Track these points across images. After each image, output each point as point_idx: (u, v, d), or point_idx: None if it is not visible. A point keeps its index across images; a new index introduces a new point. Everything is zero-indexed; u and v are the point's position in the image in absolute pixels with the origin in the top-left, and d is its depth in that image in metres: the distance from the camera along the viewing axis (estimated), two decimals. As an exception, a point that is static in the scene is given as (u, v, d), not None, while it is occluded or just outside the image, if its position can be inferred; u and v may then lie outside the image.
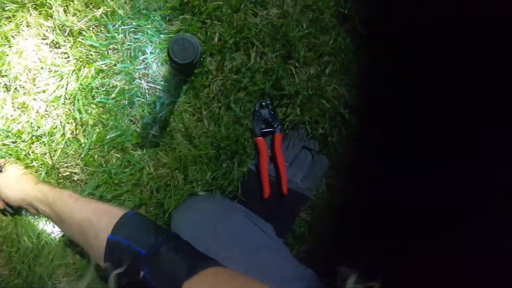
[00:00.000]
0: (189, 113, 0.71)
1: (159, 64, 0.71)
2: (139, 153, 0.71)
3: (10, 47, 0.72)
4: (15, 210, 0.76)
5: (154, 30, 0.71)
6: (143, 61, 0.71)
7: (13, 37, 0.71)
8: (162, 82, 0.70)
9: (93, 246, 0.53)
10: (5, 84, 0.74)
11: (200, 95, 0.71)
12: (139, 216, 0.55)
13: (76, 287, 0.76)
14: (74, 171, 0.72)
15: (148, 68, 0.71)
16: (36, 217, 0.80)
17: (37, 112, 0.71)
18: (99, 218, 0.54)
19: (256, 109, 0.72)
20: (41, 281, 0.83)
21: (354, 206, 0.77)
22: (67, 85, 0.70)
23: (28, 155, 0.74)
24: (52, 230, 0.80)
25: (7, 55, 0.71)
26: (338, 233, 0.78)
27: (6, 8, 0.72)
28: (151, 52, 0.71)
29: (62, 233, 0.78)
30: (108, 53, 0.71)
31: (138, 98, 0.70)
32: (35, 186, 0.67)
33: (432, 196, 0.67)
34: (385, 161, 0.76)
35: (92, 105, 0.71)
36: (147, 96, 0.70)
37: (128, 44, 0.71)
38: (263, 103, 0.72)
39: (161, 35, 0.71)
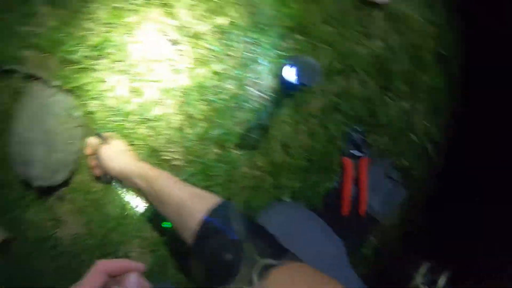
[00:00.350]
0: (288, 125, 0.77)
1: (270, 76, 0.77)
2: (237, 152, 0.78)
3: (131, 36, 0.81)
4: (110, 180, 0.84)
5: (269, 45, 0.78)
6: (256, 71, 0.78)
7: (135, 28, 0.80)
8: (269, 93, 0.76)
9: (186, 225, 0.58)
10: (122, 69, 0.83)
11: (301, 110, 0.77)
12: (234, 205, 0.59)
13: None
14: (174, 156, 0.79)
15: (259, 78, 0.77)
16: (125, 191, 0.87)
17: (148, 98, 0.80)
18: (195, 201, 0.60)
19: (349, 132, 0.77)
20: (114, 247, 0.91)
21: (423, 239, 0.80)
22: (181, 80, 0.77)
23: (133, 134, 0.82)
24: (137, 205, 0.87)
25: (128, 43, 0.80)
26: (402, 263, 0.81)
27: (133, 2, 0.81)
28: (264, 64, 0.77)
29: (145, 209, 0.85)
30: (224, 58, 0.78)
31: (246, 104, 0.77)
32: (136, 162, 0.74)
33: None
34: (460, 202, 0.79)
35: (202, 102, 0.78)
36: (254, 103, 0.77)
37: (244, 54, 0.78)
38: (357, 128, 0.77)
39: (275, 50, 0.78)
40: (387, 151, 0.77)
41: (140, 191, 0.73)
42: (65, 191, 0.93)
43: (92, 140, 0.80)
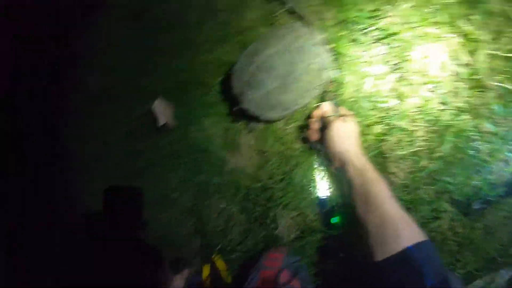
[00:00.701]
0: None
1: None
2: (448, 207, 0.80)
3: (420, 43, 0.81)
4: (318, 149, 0.84)
5: None
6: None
7: (428, 39, 0.81)
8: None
9: (382, 242, 0.59)
10: (396, 65, 0.83)
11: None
12: (436, 249, 0.61)
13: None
14: (398, 173, 0.81)
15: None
16: (324, 168, 0.87)
17: (406, 108, 0.81)
18: (405, 226, 0.61)
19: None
20: (265, 204, 0.92)
21: None
22: (446, 114, 0.79)
23: (370, 127, 0.82)
24: (322, 187, 0.88)
25: (414, 46, 0.81)
26: None
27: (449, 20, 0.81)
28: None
29: (326, 195, 0.87)
30: (501, 121, 0.79)
31: (488, 173, 0.79)
32: (361, 154, 0.74)
33: None
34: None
35: (453, 144, 0.79)
36: (499, 177, 0.79)
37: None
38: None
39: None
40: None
41: (345, 180, 0.73)
42: (262, 128, 0.92)
43: (328, 106, 0.79)
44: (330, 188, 0.86)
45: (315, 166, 0.87)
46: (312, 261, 0.87)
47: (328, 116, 0.79)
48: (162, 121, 1.02)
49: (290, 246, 0.87)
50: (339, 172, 0.76)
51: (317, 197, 0.87)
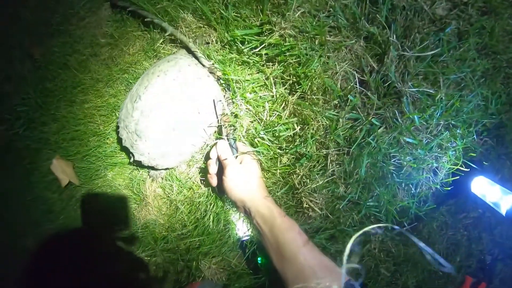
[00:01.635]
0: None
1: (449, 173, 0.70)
2: (379, 232, 0.71)
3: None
4: (222, 194, 0.74)
5: (462, 139, 0.69)
6: (436, 158, 0.69)
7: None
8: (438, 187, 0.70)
9: None
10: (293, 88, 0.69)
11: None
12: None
13: None
14: (313, 207, 0.71)
15: (437, 168, 0.69)
16: (234, 212, 0.78)
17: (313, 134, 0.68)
18: (324, 275, 0.55)
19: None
20: (187, 253, 0.84)
21: None
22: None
23: (275, 161, 0.71)
24: (239, 230, 0.79)
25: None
26: None
27: None
28: (446, 157, 0.69)
29: (245, 239, 0.78)
30: (411, 134, 0.68)
31: (413, 187, 0.69)
32: (265, 199, 0.65)
33: None
34: None
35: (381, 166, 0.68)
36: (424, 190, 0.70)
37: (433, 135, 0.69)
38: None
39: (465, 152, 0.70)
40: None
41: (253, 227, 0.65)
42: (164, 175, 0.81)
43: (221, 146, 0.67)
44: (248, 228, 0.77)
45: (227, 207, 0.77)
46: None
47: (223, 158, 0.67)
48: (65, 181, 0.92)
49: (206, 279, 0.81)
50: (249, 220, 0.66)
51: (237, 239, 0.78)
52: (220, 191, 0.72)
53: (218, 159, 0.68)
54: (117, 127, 0.78)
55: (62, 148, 0.97)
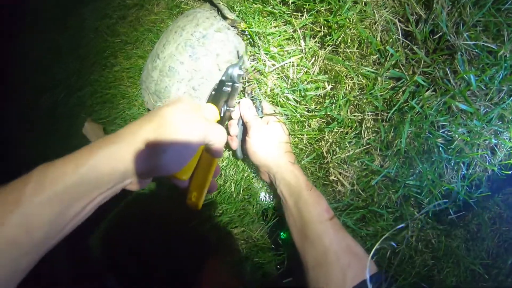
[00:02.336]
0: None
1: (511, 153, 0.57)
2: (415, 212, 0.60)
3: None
4: (242, 158, 0.67)
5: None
6: (496, 133, 0.57)
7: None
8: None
9: (324, 279, 0.48)
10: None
11: None
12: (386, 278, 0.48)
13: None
14: (342, 180, 0.61)
15: (496, 145, 0.57)
16: (257, 178, 0.71)
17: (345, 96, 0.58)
18: (350, 263, 0.48)
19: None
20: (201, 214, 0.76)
21: None
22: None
23: (303, 124, 0.63)
24: (265, 202, 0.71)
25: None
26: None
27: None
28: (509, 133, 0.56)
29: (268, 208, 0.70)
30: (466, 99, 0.56)
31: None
32: (291, 165, 0.57)
33: None
34: None
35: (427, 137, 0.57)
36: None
37: (493, 103, 0.56)
38: None
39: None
40: None
41: (277, 198, 0.59)
42: None
43: (245, 106, 0.59)
44: (272, 199, 0.70)
45: (251, 175, 0.70)
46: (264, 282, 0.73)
47: (246, 119, 0.60)
48: None
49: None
50: (271, 188, 0.59)
51: (260, 209, 0.71)
52: (242, 154, 0.65)
53: (241, 120, 0.62)
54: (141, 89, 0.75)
55: (96, 112, 0.98)
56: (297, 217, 0.54)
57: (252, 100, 0.61)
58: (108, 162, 0.33)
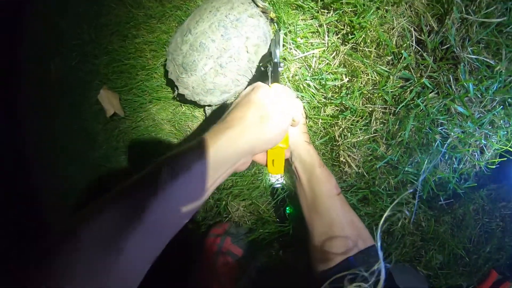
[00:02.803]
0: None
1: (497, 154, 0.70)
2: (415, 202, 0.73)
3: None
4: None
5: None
6: (486, 135, 0.70)
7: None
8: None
9: (328, 254, 0.56)
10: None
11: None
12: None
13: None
14: (350, 162, 0.73)
15: (485, 145, 0.70)
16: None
17: (359, 88, 0.70)
18: (352, 234, 0.57)
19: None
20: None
21: None
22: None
23: (318, 109, 0.74)
24: (274, 179, 0.82)
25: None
26: None
27: None
28: (497, 136, 0.69)
29: (278, 184, 0.82)
30: (463, 103, 0.68)
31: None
32: (307, 144, 0.68)
33: None
34: None
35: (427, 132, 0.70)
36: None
37: (486, 110, 0.69)
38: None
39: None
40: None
41: (290, 172, 0.68)
42: (202, 111, 0.86)
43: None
44: (282, 175, 0.81)
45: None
46: (265, 253, 0.84)
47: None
48: (110, 111, 1.00)
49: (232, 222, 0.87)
50: (290, 165, 0.70)
51: (269, 185, 0.82)
52: None
53: None
54: (165, 60, 0.84)
55: (111, 80, 1.06)
56: (308, 192, 0.64)
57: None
58: (229, 145, 0.41)
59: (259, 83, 0.54)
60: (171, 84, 0.84)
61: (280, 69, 0.65)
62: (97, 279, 0.30)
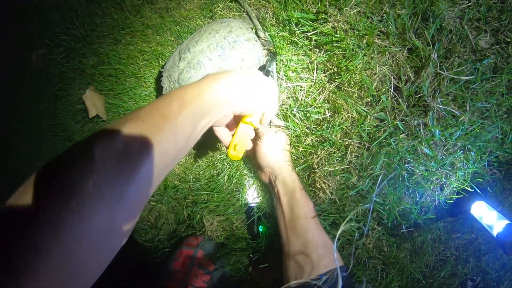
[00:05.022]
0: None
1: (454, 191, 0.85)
2: (380, 230, 0.87)
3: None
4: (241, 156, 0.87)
5: (474, 163, 0.84)
6: (446, 174, 0.85)
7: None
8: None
9: (302, 269, 0.66)
10: (335, 77, 0.84)
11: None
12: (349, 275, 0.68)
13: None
14: (325, 189, 0.86)
15: (445, 183, 0.85)
16: (250, 178, 0.93)
17: (340, 122, 0.83)
18: (325, 255, 0.68)
19: None
20: (192, 198, 0.97)
21: None
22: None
23: (301, 139, 0.86)
24: (250, 199, 0.94)
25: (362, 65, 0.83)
26: None
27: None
28: (456, 176, 0.84)
29: (253, 205, 0.93)
30: (429, 146, 0.83)
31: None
32: (290, 169, 0.79)
33: None
34: None
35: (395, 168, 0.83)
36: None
37: (448, 153, 0.84)
38: None
39: (474, 176, 0.84)
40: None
41: (272, 194, 0.78)
42: None
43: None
44: (258, 196, 0.92)
45: (244, 172, 0.92)
46: (234, 268, 0.96)
47: (257, 124, 0.81)
48: (92, 113, 1.06)
49: (206, 236, 0.96)
50: (268, 184, 0.80)
51: (245, 204, 0.93)
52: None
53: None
54: (160, 75, 0.93)
55: (97, 82, 1.12)
56: (287, 212, 0.74)
57: None
58: (222, 91, 0.50)
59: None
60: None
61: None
62: (105, 203, 0.31)
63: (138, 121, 0.38)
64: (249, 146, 0.75)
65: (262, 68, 0.79)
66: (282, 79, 0.85)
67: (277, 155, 0.78)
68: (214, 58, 0.82)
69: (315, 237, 0.68)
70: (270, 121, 0.82)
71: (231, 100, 0.52)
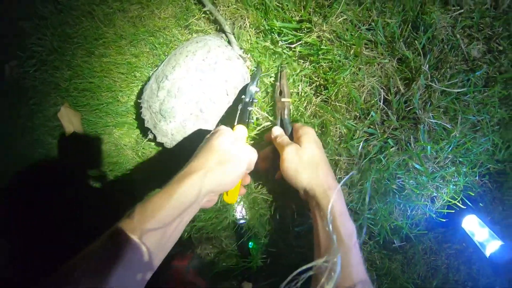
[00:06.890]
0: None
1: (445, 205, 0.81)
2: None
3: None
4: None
5: (465, 177, 0.80)
6: (437, 188, 0.81)
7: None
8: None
9: None
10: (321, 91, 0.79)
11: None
12: None
13: None
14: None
15: (435, 197, 0.81)
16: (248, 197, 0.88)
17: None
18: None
19: None
20: None
21: None
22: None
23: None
24: (239, 216, 0.89)
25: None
26: None
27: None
28: (447, 190, 0.80)
29: (243, 223, 0.89)
30: (420, 160, 0.78)
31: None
32: (335, 192, 0.70)
33: None
34: None
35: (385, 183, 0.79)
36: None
37: (439, 166, 0.79)
38: None
39: (465, 189, 0.80)
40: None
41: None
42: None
43: (279, 131, 0.71)
44: (246, 213, 0.87)
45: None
46: (225, 285, 0.92)
47: (283, 143, 0.64)
48: (70, 130, 0.99)
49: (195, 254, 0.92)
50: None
51: (233, 221, 0.89)
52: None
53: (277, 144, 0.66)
54: (140, 107, 0.84)
55: (72, 97, 1.03)
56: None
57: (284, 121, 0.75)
58: (193, 188, 0.49)
59: (221, 128, 0.59)
60: (143, 127, 0.85)
61: (250, 108, 0.69)
62: None
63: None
64: (243, 191, 0.68)
65: (244, 90, 0.72)
66: (268, 92, 0.78)
67: (304, 173, 0.60)
68: (195, 83, 0.75)
69: (358, 275, 0.56)
70: (289, 127, 0.72)
71: (205, 192, 0.53)
